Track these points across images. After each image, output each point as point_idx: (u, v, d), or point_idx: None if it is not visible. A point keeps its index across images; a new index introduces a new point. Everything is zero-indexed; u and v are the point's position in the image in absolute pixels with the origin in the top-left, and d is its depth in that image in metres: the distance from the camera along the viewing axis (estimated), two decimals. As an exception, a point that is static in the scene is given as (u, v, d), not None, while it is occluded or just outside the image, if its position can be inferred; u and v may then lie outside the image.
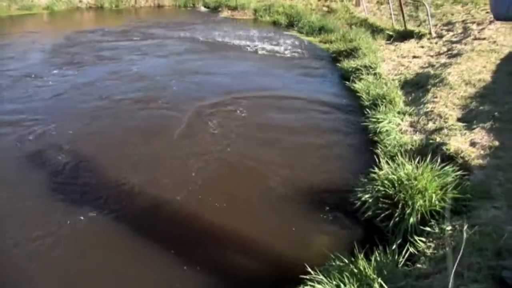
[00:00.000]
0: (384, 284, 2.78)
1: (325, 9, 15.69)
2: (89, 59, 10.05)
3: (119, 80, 8.52)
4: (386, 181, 4.08)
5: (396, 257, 3.22)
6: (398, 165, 4.33)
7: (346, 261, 3.19)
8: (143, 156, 5.37)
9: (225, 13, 17.41)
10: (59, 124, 6.26)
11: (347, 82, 8.36)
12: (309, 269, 3.12)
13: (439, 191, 3.84)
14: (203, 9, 18.97)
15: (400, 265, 3.13)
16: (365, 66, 8.61)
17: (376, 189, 4.10)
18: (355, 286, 2.85)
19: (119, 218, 4.11)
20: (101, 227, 4.00)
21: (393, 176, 4.10)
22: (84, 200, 4.40)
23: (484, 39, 8.92)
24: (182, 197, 4.48)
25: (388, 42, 11.25)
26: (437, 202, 3.74)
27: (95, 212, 4.19)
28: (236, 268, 3.55)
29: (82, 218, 4.09)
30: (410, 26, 11.80)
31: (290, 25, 14.54)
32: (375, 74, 8.27)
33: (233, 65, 10.10)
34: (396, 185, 3.99)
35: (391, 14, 12.77)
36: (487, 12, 10.90)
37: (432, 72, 7.74)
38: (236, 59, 10.63)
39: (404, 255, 3.20)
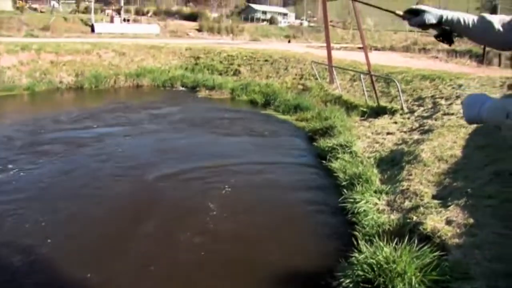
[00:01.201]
0: None
1: (300, 87, 16.15)
2: (65, 145, 9.98)
3: (104, 163, 8.47)
4: (365, 265, 4.09)
5: None
6: (377, 247, 4.34)
7: None
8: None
9: (203, 93, 17.73)
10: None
11: (324, 161, 8.38)
12: None
13: (418, 273, 3.85)
14: (181, 88, 19.33)
15: None
16: (341, 145, 8.68)
17: (356, 273, 4.08)
18: None
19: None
20: None
21: (372, 260, 4.11)
22: None
23: (452, 114, 9.21)
24: None
25: (363, 118, 11.51)
26: (416, 286, 3.74)
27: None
28: None
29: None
30: (383, 102, 12.19)
31: (267, 103, 14.81)
32: (351, 152, 8.35)
33: (210, 145, 10.09)
34: (375, 269, 3.99)
35: (364, 91, 13.18)
36: (453, 88, 11.35)
37: (406, 149, 7.87)
38: (212, 139, 10.64)
39: None
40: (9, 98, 16.46)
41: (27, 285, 4.47)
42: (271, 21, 60.98)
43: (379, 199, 6.22)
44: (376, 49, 26.67)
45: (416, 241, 4.28)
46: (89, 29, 36.94)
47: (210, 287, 4.55)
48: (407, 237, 4.32)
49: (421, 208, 5.40)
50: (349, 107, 12.50)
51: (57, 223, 5.84)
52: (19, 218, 5.91)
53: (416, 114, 10.41)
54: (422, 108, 10.66)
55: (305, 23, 60.53)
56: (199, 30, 43.65)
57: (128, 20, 44.09)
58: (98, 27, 36.93)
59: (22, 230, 5.57)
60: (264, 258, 5.05)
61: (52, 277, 4.65)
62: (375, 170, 7.29)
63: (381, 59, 16.81)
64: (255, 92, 15.94)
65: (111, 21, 41.52)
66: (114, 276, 4.70)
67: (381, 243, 4.34)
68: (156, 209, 6.42)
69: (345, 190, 6.72)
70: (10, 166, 8.02)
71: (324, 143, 9.28)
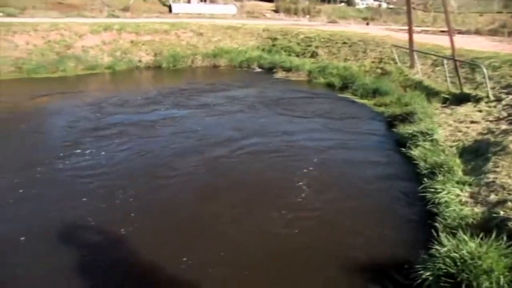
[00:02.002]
0: None
1: (379, 71, 15.90)
2: (155, 117, 10.65)
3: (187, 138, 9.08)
4: (447, 259, 4.03)
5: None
6: (460, 241, 4.24)
7: None
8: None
9: (280, 74, 17.97)
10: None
11: (403, 149, 8.37)
12: None
13: (507, 273, 3.70)
14: (257, 69, 19.66)
15: None
16: (422, 132, 8.62)
17: (437, 267, 4.03)
18: None
19: None
20: None
21: (455, 254, 4.03)
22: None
23: (546, 103, 8.76)
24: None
25: (444, 105, 11.21)
26: (505, 286, 3.60)
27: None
28: None
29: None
30: (467, 89, 11.74)
31: (344, 87, 14.80)
32: (432, 140, 8.25)
33: (287, 126, 10.43)
34: (458, 263, 3.91)
35: (446, 77, 12.76)
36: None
37: (492, 139, 7.64)
38: (289, 120, 10.98)
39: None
40: (92, 76, 17.67)
41: (109, 259, 4.86)
42: (349, 3, 59.50)
43: (461, 190, 6.10)
44: (460, 32, 25.32)
45: (505, 238, 4.12)
46: (167, 9, 37.98)
47: (288, 267, 4.79)
48: (494, 233, 4.15)
49: (509, 203, 5.17)
50: (430, 93, 12.19)
51: (141, 200, 6.29)
52: (105, 194, 6.44)
53: (504, 102, 9.97)
54: (511, 97, 10.19)
55: (384, 5, 58.41)
56: (276, 11, 43.54)
57: (205, 0, 44.84)
58: (175, 7, 37.86)
59: (108, 206, 6.05)
60: (344, 242, 5.25)
61: (132, 254, 4.95)
62: (458, 160, 7.16)
63: (465, 43, 16.08)
64: (333, 74, 15.94)
65: (188, 1, 42.44)
66: (197, 256, 5.07)
67: (465, 237, 4.26)
68: (239, 187, 6.84)
69: (425, 179, 6.71)
70: (92, 143, 8.75)
71: (404, 129, 9.25)
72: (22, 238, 5.19)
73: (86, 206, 6.00)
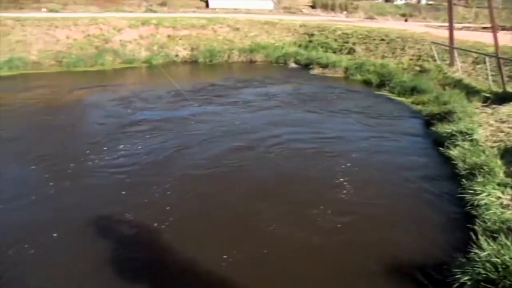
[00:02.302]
0: None
1: (417, 68, 15.67)
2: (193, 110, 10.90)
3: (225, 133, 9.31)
4: (488, 264, 3.95)
5: None
6: (502, 246, 4.15)
7: None
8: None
9: (316, 70, 17.96)
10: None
11: (441, 148, 8.30)
12: None
13: None
14: (294, 65, 19.69)
15: None
16: (461, 132, 8.52)
17: (477, 271, 3.96)
18: None
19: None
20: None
21: (497, 259, 3.95)
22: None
23: None
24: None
25: (485, 104, 10.98)
26: None
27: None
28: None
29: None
30: (510, 88, 11.48)
31: (381, 84, 14.68)
32: (471, 140, 8.15)
33: (324, 122, 10.59)
34: (500, 269, 3.83)
35: (488, 75, 12.48)
36: None
37: (538, 141, 7.48)
38: (326, 117, 11.09)
39: None
40: (129, 70, 18.14)
41: (146, 253, 5.04)
42: (387, -1, 58.38)
43: (503, 192, 5.98)
44: (504, 28, 24.52)
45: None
46: (204, 4, 38.30)
47: (329, 262, 4.92)
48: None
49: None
50: (470, 92, 11.95)
51: (181, 195, 6.52)
52: (144, 188, 6.67)
53: (550, 103, 9.71)
54: (556, 97, 9.90)
55: (423, 1, 57.00)
56: (313, 6, 43.18)
57: (242, -4, 44.92)
58: (212, 2, 38.12)
59: (148, 200, 6.28)
60: (383, 238, 5.34)
61: (171, 248, 5.10)
62: (499, 161, 7.00)
63: (510, 40, 15.62)
64: (370, 72, 15.83)
65: (225, -4, 42.63)
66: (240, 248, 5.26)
67: (507, 242, 4.17)
68: (280, 181, 7.05)
69: (463, 180, 6.65)
70: (130, 136, 9.08)
71: (442, 128, 9.16)
72: (62, 227, 5.47)
73: (126, 199, 6.27)
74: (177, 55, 20.30)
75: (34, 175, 7.03)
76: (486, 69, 12.67)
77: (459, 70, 14.15)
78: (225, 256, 4.87)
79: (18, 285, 4.44)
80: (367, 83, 15.32)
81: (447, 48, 15.48)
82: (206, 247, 5.09)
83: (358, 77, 16.10)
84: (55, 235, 5.29)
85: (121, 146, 8.45)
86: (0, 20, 18.25)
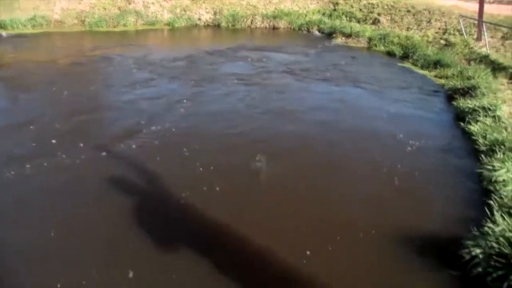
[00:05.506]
0: None
1: (442, 42, 15.27)
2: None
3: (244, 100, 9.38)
4: (501, 238, 3.92)
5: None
6: None
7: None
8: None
9: (339, 40, 17.65)
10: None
11: (462, 123, 8.17)
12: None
13: None
14: (317, 33, 19.35)
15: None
16: (483, 107, 8.34)
17: (490, 245, 3.94)
18: None
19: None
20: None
21: (511, 234, 3.94)
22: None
23: None
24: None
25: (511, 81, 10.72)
26: None
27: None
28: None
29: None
30: (538, 65, 11.16)
31: (405, 56, 14.37)
32: (494, 117, 7.97)
33: (347, 91, 10.71)
34: None
35: (517, 51, 12.13)
36: None
37: None
38: (350, 85, 11.09)
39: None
40: (151, 32, 18.13)
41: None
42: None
43: (523, 170, 5.88)
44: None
45: None
46: (229, -32, 37.65)
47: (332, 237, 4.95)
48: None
49: None
50: (497, 68, 11.65)
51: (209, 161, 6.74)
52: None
53: None
54: None
55: (454, -29, 55.06)
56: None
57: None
58: (238, -34, 37.44)
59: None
60: (399, 209, 5.35)
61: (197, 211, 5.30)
62: (521, 139, 6.87)
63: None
64: (394, 43, 15.47)
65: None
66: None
67: None
68: (303, 145, 7.09)
69: (482, 156, 6.55)
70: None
71: (464, 103, 8.98)
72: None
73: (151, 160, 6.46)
74: (199, 19, 20.16)
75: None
76: (516, 45, 12.31)
77: (486, 45, 13.73)
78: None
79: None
80: (390, 54, 14.99)
81: (475, 22, 15.03)
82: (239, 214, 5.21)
83: (381, 48, 15.75)
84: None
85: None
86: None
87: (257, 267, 4.13)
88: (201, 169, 6.10)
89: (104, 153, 6.55)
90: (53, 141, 6.90)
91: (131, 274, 3.94)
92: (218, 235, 4.65)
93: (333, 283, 3.99)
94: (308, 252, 4.31)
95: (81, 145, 6.73)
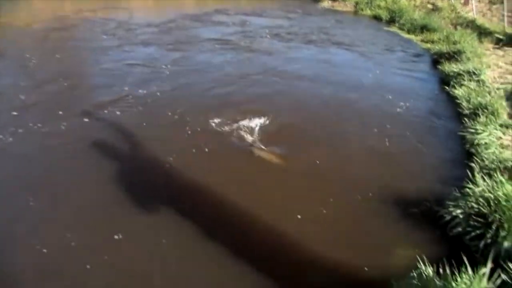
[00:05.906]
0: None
1: (429, 6, 15.05)
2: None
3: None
4: (481, 199, 3.92)
5: (486, 281, 2.89)
6: (496, 183, 4.11)
7: (431, 276, 3.10)
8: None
9: (326, 4, 17.36)
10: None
11: (447, 87, 8.07)
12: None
13: None
14: (303, -3, 18.93)
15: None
16: (468, 72, 8.23)
17: (469, 205, 3.95)
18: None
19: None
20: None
21: (490, 194, 3.92)
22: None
23: None
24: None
25: (497, 46, 10.63)
26: None
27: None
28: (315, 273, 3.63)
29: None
30: (525, 30, 11.06)
31: (391, 20, 14.15)
32: (478, 81, 7.88)
33: (333, 54, 10.51)
34: (492, 204, 3.81)
35: (503, 16, 11.98)
36: None
37: (545, 84, 7.24)
38: (336, 49, 10.90)
39: (495, 281, 2.88)
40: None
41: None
42: None
43: (504, 133, 5.89)
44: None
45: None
46: None
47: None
48: (534, 179, 3.96)
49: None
50: (482, 33, 11.53)
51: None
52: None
53: None
54: None
55: None
56: None
57: None
58: None
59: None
60: (383, 171, 5.26)
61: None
62: (504, 103, 6.83)
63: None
64: (380, 7, 15.23)
65: None
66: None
67: (502, 179, 4.11)
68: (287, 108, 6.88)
69: (466, 119, 6.49)
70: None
71: (450, 67, 8.87)
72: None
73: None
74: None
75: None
76: (503, 9, 12.15)
77: (473, 10, 13.56)
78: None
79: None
80: (376, 18, 14.76)
81: (463, -14, 14.80)
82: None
83: (368, 12, 15.50)
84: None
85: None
86: None
87: (245, 227, 4.02)
88: (189, 132, 5.93)
89: (86, 120, 6.24)
90: (29, 110, 6.52)
91: (119, 236, 3.82)
92: (206, 197, 4.50)
93: (318, 238, 3.95)
94: (299, 216, 4.22)
95: (60, 113, 6.38)
